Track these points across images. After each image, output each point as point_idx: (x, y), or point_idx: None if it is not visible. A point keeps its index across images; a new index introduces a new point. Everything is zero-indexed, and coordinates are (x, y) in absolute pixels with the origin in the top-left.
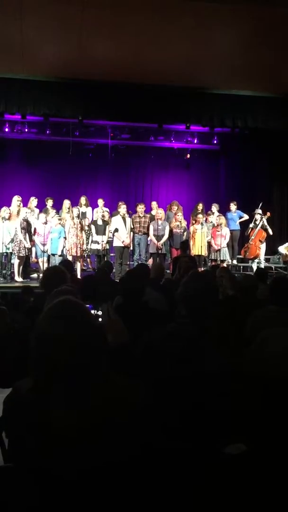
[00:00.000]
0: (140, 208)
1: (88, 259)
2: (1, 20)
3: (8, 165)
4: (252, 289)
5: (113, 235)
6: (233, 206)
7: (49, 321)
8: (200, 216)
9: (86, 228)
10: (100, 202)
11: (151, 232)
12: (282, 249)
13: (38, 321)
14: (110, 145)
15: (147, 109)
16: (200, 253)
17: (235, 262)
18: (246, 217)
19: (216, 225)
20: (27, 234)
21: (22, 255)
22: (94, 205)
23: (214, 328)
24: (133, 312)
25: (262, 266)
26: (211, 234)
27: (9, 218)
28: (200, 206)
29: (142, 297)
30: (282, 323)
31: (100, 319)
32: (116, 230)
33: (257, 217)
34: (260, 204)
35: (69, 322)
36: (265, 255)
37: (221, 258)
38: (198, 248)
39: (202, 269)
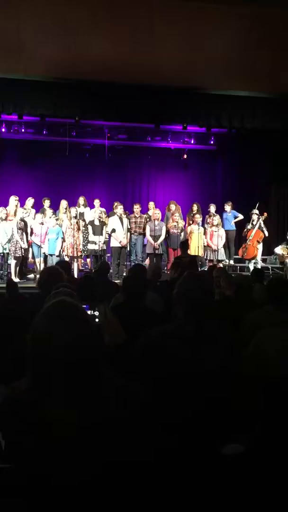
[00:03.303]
0: (136, 208)
1: (88, 259)
2: None
3: (4, 165)
4: (249, 290)
5: (110, 236)
6: (227, 207)
7: (46, 321)
8: (197, 216)
9: (83, 228)
10: (97, 202)
11: (147, 232)
12: (278, 250)
13: (35, 322)
14: (107, 145)
15: (144, 109)
16: (196, 254)
17: (232, 262)
18: (241, 217)
19: (211, 225)
20: (24, 234)
21: (18, 255)
22: (91, 206)
23: (210, 328)
24: (131, 312)
25: (259, 266)
26: (209, 234)
27: (5, 219)
28: (195, 207)
29: (144, 296)
30: (279, 323)
31: (97, 320)
32: (113, 230)
33: (254, 217)
34: (257, 204)
35: (66, 322)
36: (261, 255)
37: (218, 258)
38: (194, 248)
39: (199, 269)
